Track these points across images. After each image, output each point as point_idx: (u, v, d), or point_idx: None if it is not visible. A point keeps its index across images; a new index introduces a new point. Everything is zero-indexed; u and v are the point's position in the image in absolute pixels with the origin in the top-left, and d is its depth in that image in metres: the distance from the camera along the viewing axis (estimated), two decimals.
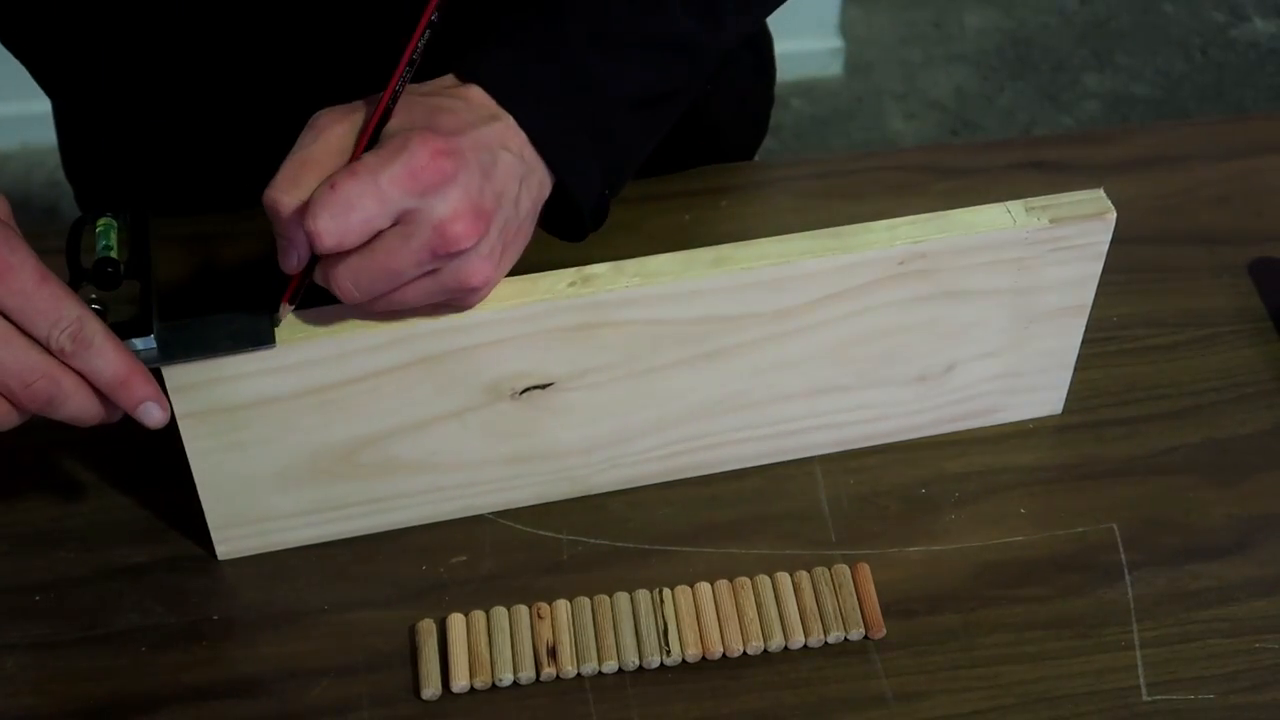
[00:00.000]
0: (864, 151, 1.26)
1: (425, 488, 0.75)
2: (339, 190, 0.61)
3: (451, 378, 0.70)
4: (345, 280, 0.63)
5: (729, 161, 0.98)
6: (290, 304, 0.66)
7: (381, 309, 0.66)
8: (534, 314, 0.69)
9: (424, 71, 0.65)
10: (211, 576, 0.75)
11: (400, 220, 0.62)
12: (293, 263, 0.64)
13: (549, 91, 0.67)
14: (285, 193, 0.62)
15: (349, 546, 0.77)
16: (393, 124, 0.64)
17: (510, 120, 0.66)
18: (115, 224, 0.67)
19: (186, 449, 0.70)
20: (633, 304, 0.70)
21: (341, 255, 0.63)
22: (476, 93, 0.66)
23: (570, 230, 0.71)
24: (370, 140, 0.63)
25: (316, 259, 0.64)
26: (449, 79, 0.67)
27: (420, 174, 0.61)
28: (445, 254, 0.63)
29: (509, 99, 0.66)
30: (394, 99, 0.63)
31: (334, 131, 0.64)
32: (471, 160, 0.63)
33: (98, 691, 0.71)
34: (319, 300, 0.66)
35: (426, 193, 0.61)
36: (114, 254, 0.66)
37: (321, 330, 0.67)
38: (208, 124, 0.87)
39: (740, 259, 0.70)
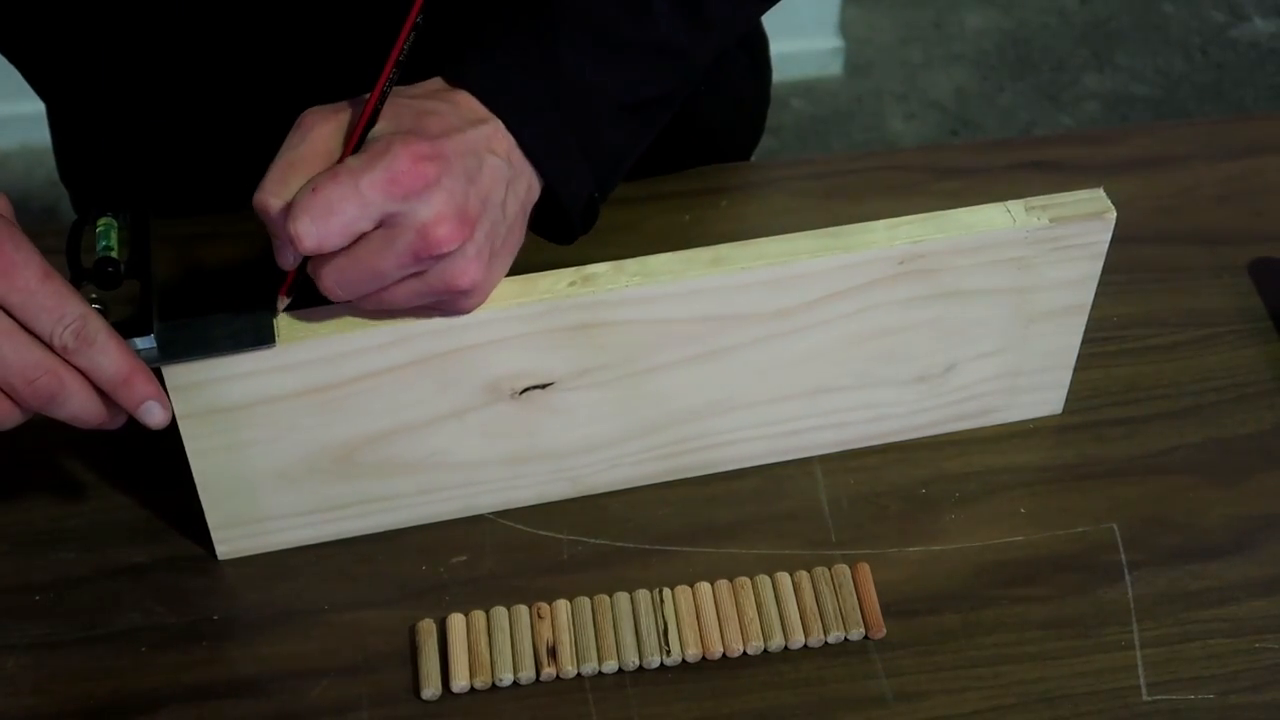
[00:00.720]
0: (864, 151, 1.26)
1: (425, 488, 0.75)
2: (319, 194, 0.61)
3: (451, 377, 0.70)
4: (330, 279, 0.64)
5: (725, 162, 0.98)
6: (287, 297, 0.67)
7: (370, 308, 0.66)
8: (534, 314, 0.69)
9: (413, 72, 0.65)
10: (211, 576, 0.75)
11: (383, 223, 0.63)
12: (288, 260, 0.65)
13: (537, 96, 0.67)
14: (273, 195, 0.63)
15: (349, 546, 0.77)
16: (379, 127, 0.64)
17: (498, 124, 0.66)
18: (116, 224, 0.67)
19: (186, 449, 0.70)
20: (633, 304, 0.70)
21: (328, 255, 0.63)
22: (464, 96, 0.66)
23: (560, 233, 0.72)
24: (357, 142, 0.63)
25: None
26: (437, 82, 0.67)
27: (401, 178, 0.61)
28: (428, 256, 0.63)
29: (497, 103, 0.66)
30: (381, 100, 0.63)
31: (320, 132, 0.64)
32: (456, 164, 0.63)
33: (98, 691, 0.71)
34: (318, 297, 0.66)
35: (409, 197, 0.62)
36: (114, 254, 0.66)
37: (321, 330, 0.67)
38: (204, 125, 0.87)
39: (740, 259, 0.70)
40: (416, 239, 0.62)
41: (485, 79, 0.67)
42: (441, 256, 0.63)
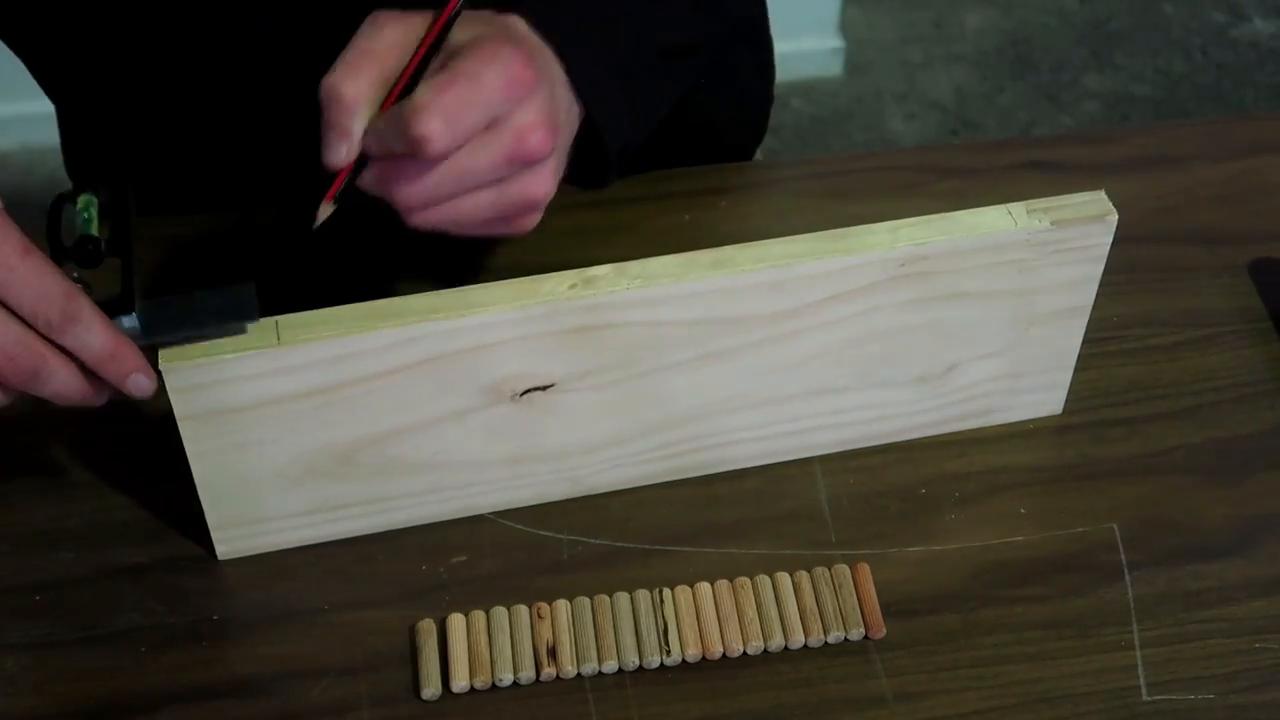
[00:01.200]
0: (864, 151, 1.26)
1: (426, 488, 0.75)
2: (450, 93, 0.60)
3: (452, 379, 0.70)
4: (410, 180, 0.61)
5: (728, 161, 0.98)
6: (334, 203, 0.64)
7: (436, 220, 0.64)
8: (535, 316, 0.69)
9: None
10: (211, 576, 0.75)
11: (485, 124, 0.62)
12: (341, 155, 0.62)
13: (585, 33, 0.67)
14: (345, 81, 0.61)
15: (349, 546, 0.77)
16: (461, 35, 0.63)
17: (551, 54, 0.66)
18: (96, 201, 0.67)
19: (186, 450, 0.70)
20: (634, 306, 0.70)
21: (400, 155, 0.61)
22: (521, 25, 0.66)
23: (593, 176, 0.71)
24: (431, 44, 0.62)
25: (365, 161, 0.62)
26: (488, 12, 0.66)
27: (515, 81, 0.61)
28: (520, 160, 0.62)
29: (552, 34, 0.66)
30: (457, 11, 0.62)
31: (394, 29, 0.63)
32: (546, 74, 0.63)
33: (98, 691, 0.71)
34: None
35: (515, 99, 0.61)
36: (95, 231, 0.65)
37: (323, 332, 0.67)
38: (208, 124, 0.87)
39: (742, 261, 0.70)
40: (514, 141, 0.62)
41: (541, 8, 0.66)
42: (529, 164, 0.63)
